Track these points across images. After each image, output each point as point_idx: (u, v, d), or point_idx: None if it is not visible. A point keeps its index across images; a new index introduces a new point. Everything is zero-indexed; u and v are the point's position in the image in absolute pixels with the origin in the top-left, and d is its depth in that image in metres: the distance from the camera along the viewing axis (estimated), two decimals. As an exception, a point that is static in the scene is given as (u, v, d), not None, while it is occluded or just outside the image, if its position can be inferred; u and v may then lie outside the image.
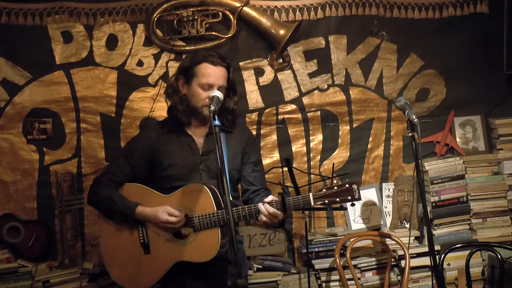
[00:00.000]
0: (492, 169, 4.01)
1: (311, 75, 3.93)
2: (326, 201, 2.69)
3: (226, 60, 2.84)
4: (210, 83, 2.76)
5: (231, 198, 2.74)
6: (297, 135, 3.96)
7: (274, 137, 3.94)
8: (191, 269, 2.78)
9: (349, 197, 2.70)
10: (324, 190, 2.70)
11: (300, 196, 2.72)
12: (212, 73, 2.78)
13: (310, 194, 2.70)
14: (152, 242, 2.83)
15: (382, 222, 3.98)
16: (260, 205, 2.68)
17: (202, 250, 2.73)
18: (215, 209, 2.73)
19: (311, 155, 3.98)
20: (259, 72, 3.89)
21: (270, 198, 2.70)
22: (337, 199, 2.69)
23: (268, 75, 3.90)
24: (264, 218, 2.69)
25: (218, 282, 2.83)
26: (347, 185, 2.70)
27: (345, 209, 2.95)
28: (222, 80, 2.80)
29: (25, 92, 3.72)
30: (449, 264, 3.85)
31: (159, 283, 2.85)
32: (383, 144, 4.05)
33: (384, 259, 3.78)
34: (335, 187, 2.70)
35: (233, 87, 2.91)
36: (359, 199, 2.72)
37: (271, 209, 2.67)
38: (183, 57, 3.76)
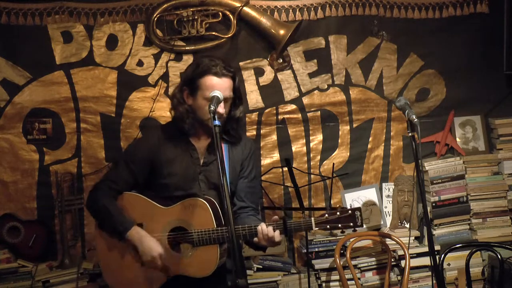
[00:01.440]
0: (492, 169, 4.01)
1: (311, 75, 3.93)
2: (328, 226, 2.66)
3: (231, 69, 2.73)
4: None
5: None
6: (297, 135, 3.96)
7: (274, 137, 3.94)
8: (189, 282, 2.73)
9: (351, 224, 2.65)
10: (326, 215, 2.65)
11: (302, 220, 2.68)
12: (217, 85, 2.67)
13: (312, 219, 2.65)
14: None
15: (382, 222, 3.98)
16: (263, 225, 2.63)
17: (200, 266, 2.69)
18: (215, 225, 2.67)
19: (311, 155, 3.98)
20: (259, 72, 3.89)
21: (274, 221, 2.65)
22: (339, 225, 2.65)
23: (268, 75, 3.90)
24: (263, 242, 2.65)
25: None
26: (349, 211, 2.65)
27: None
28: (228, 91, 2.71)
29: (25, 92, 3.72)
30: (449, 264, 3.85)
31: None
32: (383, 144, 4.05)
33: (384, 259, 3.78)
34: (338, 213, 2.65)
35: (239, 95, 2.82)
36: (361, 226, 2.67)
37: (271, 233, 2.62)
38: (184, 60, 3.78)
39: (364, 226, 3.94)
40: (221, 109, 2.66)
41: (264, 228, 2.61)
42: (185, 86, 2.76)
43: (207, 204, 2.69)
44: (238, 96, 2.80)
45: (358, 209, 2.66)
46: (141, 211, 2.77)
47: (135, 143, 3.03)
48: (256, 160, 2.99)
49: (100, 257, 2.89)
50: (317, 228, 2.65)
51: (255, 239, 2.65)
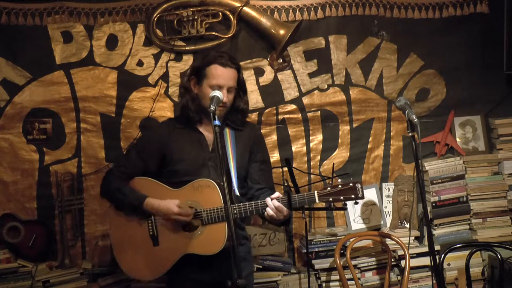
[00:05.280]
0: (492, 169, 4.01)
1: (311, 75, 3.93)
2: (331, 199, 2.77)
3: (236, 61, 2.95)
4: (220, 84, 2.86)
5: (238, 194, 2.89)
6: (297, 135, 3.96)
7: (274, 137, 3.94)
8: (198, 262, 2.86)
9: (353, 196, 2.77)
10: (328, 188, 2.77)
11: (305, 193, 2.80)
12: (221, 75, 2.87)
13: (315, 191, 2.78)
14: (161, 235, 2.92)
15: (382, 222, 3.98)
16: (268, 200, 2.75)
17: (209, 243, 2.82)
18: (223, 204, 2.79)
19: (311, 155, 3.98)
20: (259, 72, 3.89)
21: (276, 194, 2.77)
22: (341, 197, 2.77)
23: (268, 75, 3.90)
24: (270, 212, 2.75)
25: (225, 275, 2.84)
26: (351, 184, 2.77)
27: (346, 209, 3.02)
28: (232, 81, 2.90)
29: (25, 92, 3.72)
30: (449, 264, 3.85)
31: (166, 274, 2.94)
32: (383, 144, 4.05)
33: (384, 259, 3.78)
34: (339, 186, 2.77)
35: (243, 87, 3.02)
36: (362, 197, 2.78)
37: (277, 203, 2.73)
38: (184, 60, 3.79)
39: (364, 226, 3.95)
40: (225, 97, 2.84)
41: (269, 203, 2.74)
42: (193, 76, 2.97)
43: (215, 184, 2.83)
44: (242, 88, 3.00)
45: (358, 181, 2.79)
46: (151, 193, 2.92)
47: (146, 132, 3.25)
48: (264, 143, 3.15)
49: (113, 241, 3.03)
50: (322, 201, 2.75)
51: (266, 214, 2.77)
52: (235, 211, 2.77)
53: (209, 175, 2.90)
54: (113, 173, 3.02)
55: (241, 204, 2.81)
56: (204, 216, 2.83)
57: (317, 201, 2.76)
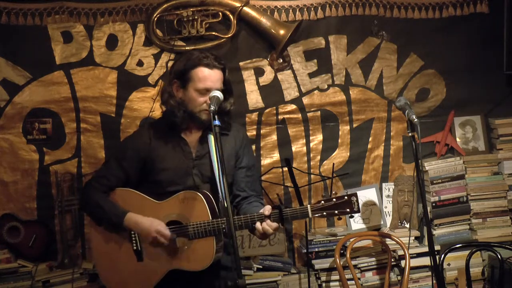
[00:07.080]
0: (492, 169, 4.01)
1: (311, 75, 3.93)
2: (324, 213, 2.65)
3: (221, 61, 2.77)
4: (208, 87, 2.68)
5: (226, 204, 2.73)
6: (297, 135, 3.96)
7: (274, 137, 3.94)
8: (185, 277, 2.73)
9: (348, 210, 2.65)
10: (322, 202, 2.65)
11: (298, 208, 2.67)
12: (208, 77, 2.70)
13: (308, 206, 2.66)
14: (145, 250, 2.77)
15: (382, 222, 3.98)
16: (258, 224, 2.63)
17: (197, 259, 2.69)
18: (210, 217, 2.67)
19: (311, 155, 3.98)
20: (259, 72, 3.89)
21: (267, 209, 2.63)
22: (336, 211, 2.65)
23: (268, 75, 3.90)
24: (258, 234, 2.66)
25: None
26: (346, 197, 2.65)
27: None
28: (219, 83, 2.72)
29: (25, 92, 3.72)
30: (449, 264, 3.85)
31: None
32: (383, 144, 4.05)
33: (384, 259, 3.78)
34: (334, 199, 2.65)
35: (229, 88, 2.82)
36: (358, 211, 2.66)
37: (266, 227, 2.62)
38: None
39: (364, 226, 3.95)
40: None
41: (259, 227, 2.62)
42: (176, 79, 2.77)
43: (202, 196, 2.69)
44: (228, 88, 2.81)
45: (354, 194, 2.66)
46: (134, 206, 2.76)
47: (126, 140, 3.04)
48: (249, 147, 2.97)
49: (95, 257, 2.90)
50: (316, 215, 2.65)
51: (257, 233, 2.66)
52: (223, 225, 2.62)
53: (193, 183, 2.76)
54: (92, 185, 2.81)
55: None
56: (191, 231, 2.67)
57: (310, 215, 2.63)
